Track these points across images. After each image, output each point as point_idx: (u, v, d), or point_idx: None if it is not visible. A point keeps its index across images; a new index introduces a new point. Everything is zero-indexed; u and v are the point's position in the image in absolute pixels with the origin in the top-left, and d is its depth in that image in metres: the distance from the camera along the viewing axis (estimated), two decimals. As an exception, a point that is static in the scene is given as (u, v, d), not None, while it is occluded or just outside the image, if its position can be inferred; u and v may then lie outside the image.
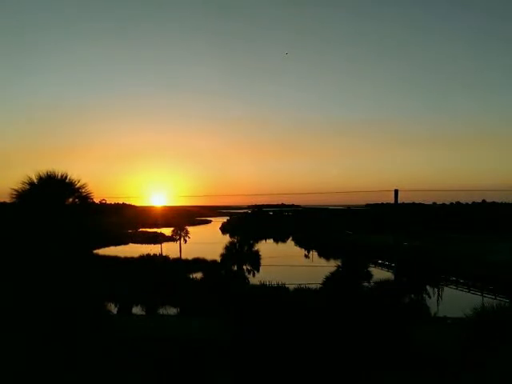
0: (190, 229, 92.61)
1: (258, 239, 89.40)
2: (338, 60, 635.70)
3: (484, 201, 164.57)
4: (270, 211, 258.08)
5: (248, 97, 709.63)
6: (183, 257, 72.28)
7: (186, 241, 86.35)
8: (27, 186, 11.43)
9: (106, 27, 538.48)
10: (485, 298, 41.91)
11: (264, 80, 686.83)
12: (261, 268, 44.14)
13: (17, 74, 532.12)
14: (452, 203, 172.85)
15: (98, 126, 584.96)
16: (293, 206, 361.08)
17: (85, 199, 12.01)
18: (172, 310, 36.06)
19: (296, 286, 30.30)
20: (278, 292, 17.49)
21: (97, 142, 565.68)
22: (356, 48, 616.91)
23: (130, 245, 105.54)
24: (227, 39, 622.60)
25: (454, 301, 39.55)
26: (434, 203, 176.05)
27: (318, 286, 30.49)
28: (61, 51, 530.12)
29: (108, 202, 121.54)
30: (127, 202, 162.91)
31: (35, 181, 11.51)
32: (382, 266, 67.66)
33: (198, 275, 47.42)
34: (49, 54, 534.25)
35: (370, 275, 34.87)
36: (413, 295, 31.21)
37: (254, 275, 42.71)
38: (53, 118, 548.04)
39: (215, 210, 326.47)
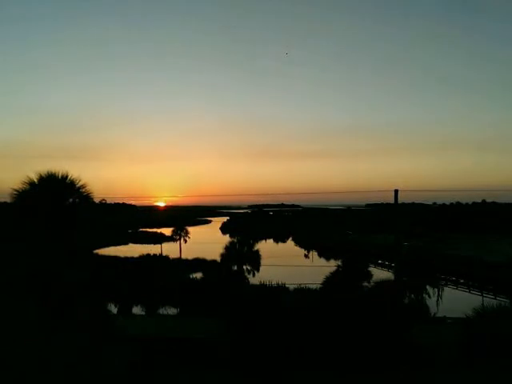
0: (190, 229, 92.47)
1: (257, 239, 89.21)
2: (340, 65, 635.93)
3: (484, 201, 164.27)
4: (270, 211, 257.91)
5: (249, 98, 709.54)
6: (183, 257, 72.15)
7: (186, 241, 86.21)
8: (27, 186, 11.42)
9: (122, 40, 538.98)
10: (485, 298, 41.87)
11: (266, 82, 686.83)
12: (261, 268, 44.10)
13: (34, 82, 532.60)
14: (452, 203, 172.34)
15: (100, 130, 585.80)
16: (293, 205, 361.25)
17: (85, 199, 12.00)
18: (172, 310, 36.01)
19: (296, 286, 30.28)
20: (277, 292, 17.48)
21: (99, 145, 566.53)
22: (357, 54, 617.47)
23: (130, 245, 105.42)
24: (229, 43, 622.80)
25: (454, 301, 39.52)
26: (434, 203, 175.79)
27: (318, 286, 30.47)
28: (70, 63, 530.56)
29: (108, 202, 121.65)
30: (127, 202, 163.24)
31: (35, 181, 11.50)
32: (382, 266, 67.60)
33: (198, 275, 47.37)
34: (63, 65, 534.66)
35: (369, 275, 34.87)
36: (413, 295, 31.16)
37: (253, 275, 42.65)
38: (55, 124, 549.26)
39: (215, 211, 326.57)
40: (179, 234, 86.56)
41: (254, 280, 38.05)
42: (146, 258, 62.33)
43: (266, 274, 40.32)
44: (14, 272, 10.91)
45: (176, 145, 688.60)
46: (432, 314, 30.45)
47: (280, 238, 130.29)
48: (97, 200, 14.00)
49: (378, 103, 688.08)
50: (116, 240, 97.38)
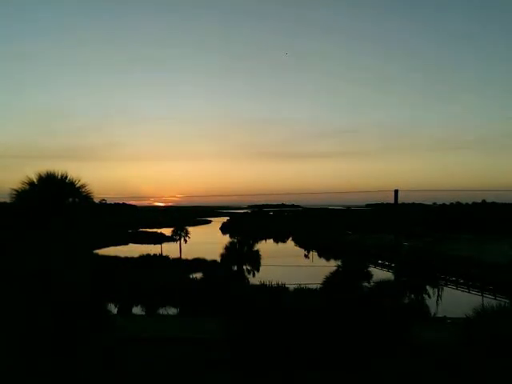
0: (190, 229, 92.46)
1: (258, 239, 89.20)
2: (340, 65, 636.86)
3: (484, 201, 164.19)
4: (270, 211, 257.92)
5: (249, 98, 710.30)
6: (183, 257, 72.18)
7: (186, 241, 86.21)
8: (27, 186, 11.40)
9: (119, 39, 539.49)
10: (485, 298, 41.86)
11: (266, 82, 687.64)
12: (261, 268, 44.06)
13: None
14: (452, 203, 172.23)
15: (99, 130, 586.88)
16: (293, 205, 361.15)
17: (85, 199, 11.98)
18: (172, 310, 36.00)
19: (296, 286, 30.22)
20: (277, 292, 17.49)
21: (99, 145, 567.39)
22: (356, 54, 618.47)
23: (130, 245, 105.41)
24: (230, 42, 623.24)
25: (454, 301, 39.52)
26: (434, 203, 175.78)
27: (318, 286, 30.42)
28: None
29: (108, 202, 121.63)
30: (127, 202, 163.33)
31: (35, 181, 11.48)
32: (382, 266, 67.60)
33: (198, 275, 47.37)
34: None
35: (369, 275, 34.86)
36: (413, 295, 31.18)
37: (253, 275, 42.61)
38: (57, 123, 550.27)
39: (215, 211, 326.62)
40: (179, 234, 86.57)
41: (254, 280, 38.02)
42: (146, 257, 62.35)
43: (265, 274, 40.34)
44: (14, 272, 10.90)
45: (176, 145, 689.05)
46: (432, 314, 30.46)
47: (280, 238, 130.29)
48: (97, 200, 13.98)
49: (377, 103, 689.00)
50: (116, 240, 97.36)
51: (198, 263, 61.80)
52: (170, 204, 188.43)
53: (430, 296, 32.51)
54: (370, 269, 39.52)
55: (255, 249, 45.75)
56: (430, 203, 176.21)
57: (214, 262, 54.73)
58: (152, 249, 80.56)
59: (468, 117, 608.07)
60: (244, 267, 43.30)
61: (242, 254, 43.89)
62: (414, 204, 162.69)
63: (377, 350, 15.04)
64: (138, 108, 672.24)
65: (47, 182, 11.46)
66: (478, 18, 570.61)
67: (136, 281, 40.32)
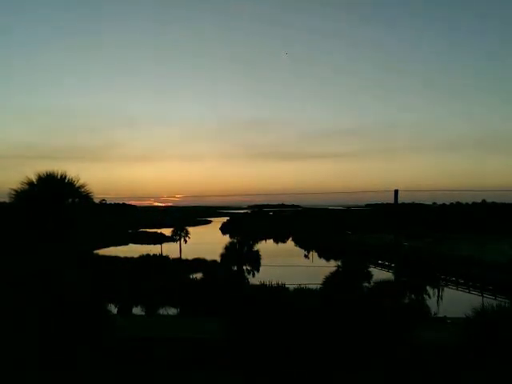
0: (190, 229, 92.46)
1: (258, 239, 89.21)
2: (340, 65, 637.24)
3: (484, 201, 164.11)
4: (270, 211, 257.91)
5: (249, 98, 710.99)
6: (183, 257, 72.21)
7: (186, 241, 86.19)
8: (26, 187, 11.39)
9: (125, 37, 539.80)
10: (485, 298, 41.86)
11: (266, 82, 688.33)
12: (261, 268, 44.07)
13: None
14: (452, 203, 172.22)
15: (100, 131, 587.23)
16: (293, 206, 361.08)
17: (85, 199, 11.97)
18: (172, 310, 36.01)
19: (296, 286, 30.21)
20: (277, 292, 17.50)
21: (98, 145, 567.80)
22: (356, 54, 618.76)
23: (130, 245, 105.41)
24: (229, 42, 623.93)
25: (454, 301, 39.52)
26: (434, 203, 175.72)
27: (318, 286, 30.42)
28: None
29: (108, 202, 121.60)
30: (127, 202, 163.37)
31: (34, 181, 11.48)
32: (381, 266, 67.58)
33: (198, 275, 47.38)
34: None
35: (369, 275, 34.86)
36: (413, 295, 31.19)
37: (253, 275, 42.62)
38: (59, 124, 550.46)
39: (215, 211, 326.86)
40: (179, 234, 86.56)
41: (254, 280, 38.01)
42: (146, 258, 62.30)
43: (265, 274, 40.31)
44: (14, 272, 10.89)
45: (176, 145, 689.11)
46: (432, 314, 30.48)
47: (280, 238, 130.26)
48: (97, 200, 13.98)
49: (378, 103, 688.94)
50: (116, 240, 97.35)
51: (198, 263, 61.85)
52: (169, 204, 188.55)
53: (430, 296, 32.53)
54: (370, 269, 39.51)
55: (255, 249, 45.74)
56: (430, 203, 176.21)
57: (214, 262, 54.72)
58: (152, 249, 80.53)
59: (468, 117, 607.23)
60: (244, 267, 43.28)
61: (241, 254, 43.87)
62: (413, 204, 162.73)
63: (377, 350, 15.03)
64: (138, 108, 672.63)
65: (47, 182, 11.46)
66: (477, 19, 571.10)
67: (136, 281, 40.33)
